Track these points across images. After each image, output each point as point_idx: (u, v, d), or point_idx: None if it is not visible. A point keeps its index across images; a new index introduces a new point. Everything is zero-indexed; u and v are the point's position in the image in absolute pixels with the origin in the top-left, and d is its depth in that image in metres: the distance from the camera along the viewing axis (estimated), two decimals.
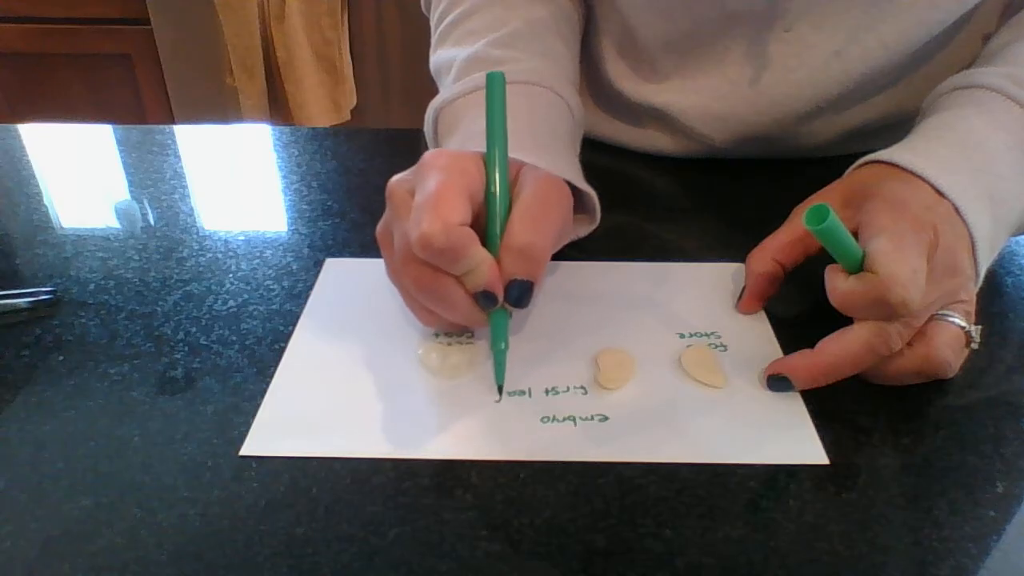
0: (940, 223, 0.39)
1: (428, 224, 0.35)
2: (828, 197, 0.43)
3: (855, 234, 0.39)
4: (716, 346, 0.43)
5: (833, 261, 0.39)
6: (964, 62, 0.56)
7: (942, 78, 0.50)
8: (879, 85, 0.59)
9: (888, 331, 0.37)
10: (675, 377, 0.41)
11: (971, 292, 0.40)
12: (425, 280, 0.38)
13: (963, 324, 0.39)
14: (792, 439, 0.37)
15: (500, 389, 0.39)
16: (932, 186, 0.40)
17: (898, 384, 0.40)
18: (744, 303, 0.45)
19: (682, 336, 0.44)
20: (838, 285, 0.38)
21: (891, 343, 0.37)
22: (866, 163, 0.44)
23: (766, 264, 0.44)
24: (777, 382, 0.39)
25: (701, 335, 0.44)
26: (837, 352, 0.38)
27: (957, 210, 0.40)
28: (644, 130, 0.65)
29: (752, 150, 0.62)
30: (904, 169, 0.41)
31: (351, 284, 0.48)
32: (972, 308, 0.40)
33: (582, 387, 0.40)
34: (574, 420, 0.38)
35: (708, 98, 0.60)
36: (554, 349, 0.42)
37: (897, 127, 0.58)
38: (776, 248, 0.45)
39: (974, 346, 0.39)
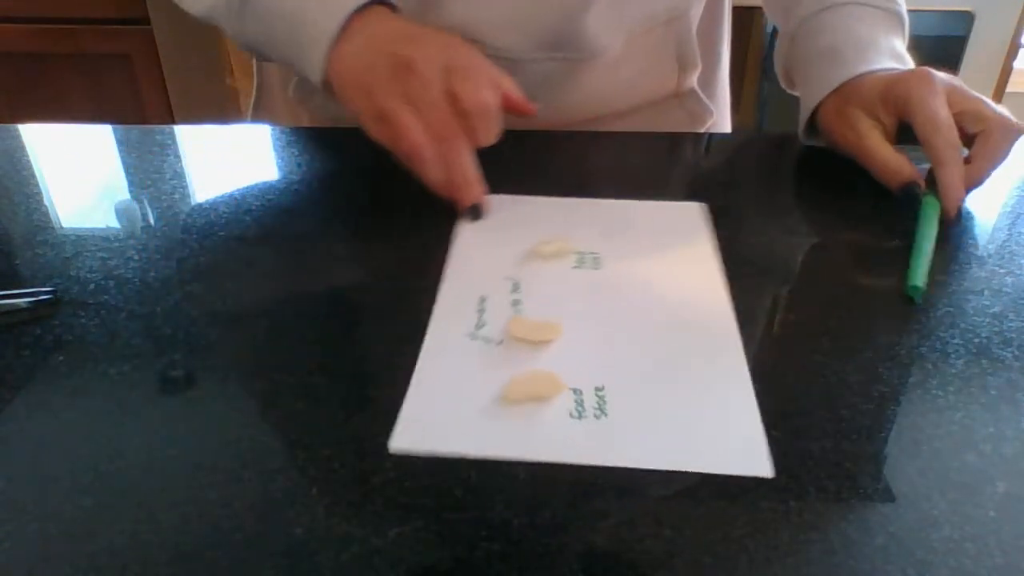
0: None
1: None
2: (874, 119, 0.57)
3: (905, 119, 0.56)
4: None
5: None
6: None
7: None
8: None
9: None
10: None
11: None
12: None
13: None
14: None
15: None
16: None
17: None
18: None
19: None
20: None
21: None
22: (842, 85, 0.59)
23: (908, 167, 0.56)
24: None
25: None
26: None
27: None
28: None
29: (550, 54, 0.65)
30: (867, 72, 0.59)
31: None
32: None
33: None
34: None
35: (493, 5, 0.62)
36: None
37: (678, 20, 0.65)
38: (884, 158, 0.57)
39: None
